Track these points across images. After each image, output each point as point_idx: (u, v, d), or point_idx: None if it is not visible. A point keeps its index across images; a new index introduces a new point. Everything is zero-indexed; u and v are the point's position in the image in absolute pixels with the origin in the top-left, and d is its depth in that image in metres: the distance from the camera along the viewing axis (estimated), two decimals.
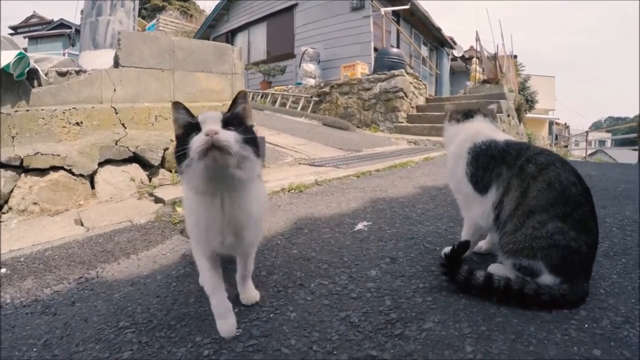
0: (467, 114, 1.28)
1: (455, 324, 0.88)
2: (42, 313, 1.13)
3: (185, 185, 0.85)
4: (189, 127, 0.79)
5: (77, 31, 10.86)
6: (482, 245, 1.27)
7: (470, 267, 1.02)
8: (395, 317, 0.92)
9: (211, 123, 0.77)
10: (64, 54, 10.86)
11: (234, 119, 0.80)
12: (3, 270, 1.48)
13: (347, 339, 0.86)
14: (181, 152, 0.77)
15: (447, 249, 1.06)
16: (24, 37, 14.37)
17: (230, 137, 0.74)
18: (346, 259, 1.29)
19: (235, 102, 0.85)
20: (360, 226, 1.61)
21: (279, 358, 0.82)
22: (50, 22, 16.22)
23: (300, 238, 1.51)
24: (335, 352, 0.82)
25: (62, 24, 14.99)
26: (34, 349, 0.94)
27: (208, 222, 0.84)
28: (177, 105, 0.83)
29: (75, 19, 13.45)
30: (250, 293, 1.05)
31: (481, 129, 1.21)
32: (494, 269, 1.07)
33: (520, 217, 1.01)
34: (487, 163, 1.11)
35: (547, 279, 0.96)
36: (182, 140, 0.78)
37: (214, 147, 0.73)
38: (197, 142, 0.73)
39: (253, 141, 0.80)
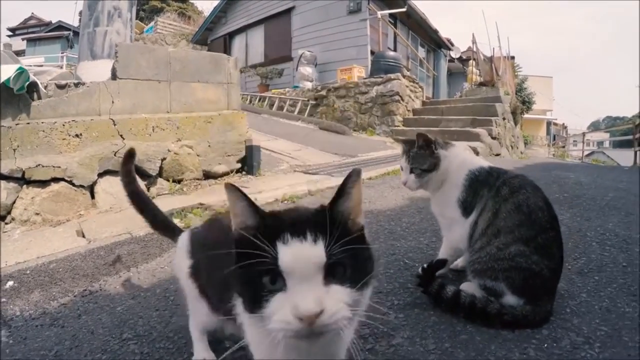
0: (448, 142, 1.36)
1: (422, 340, 0.97)
2: (51, 325, 1.23)
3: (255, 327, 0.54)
4: (257, 246, 0.49)
5: (76, 33, 10.90)
6: (459, 262, 1.35)
7: (443, 282, 1.11)
8: (368, 332, 1.01)
9: (303, 276, 0.47)
10: (62, 56, 10.90)
11: (342, 248, 0.48)
12: (10, 282, 1.57)
13: None
14: (245, 281, 0.51)
15: (425, 265, 1.16)
16: (22, 39, 14.39)
17: (340, 312, 0.47)
18: None
19: (343, 187, 0.54)
20: None
21: None
22: (48, 24, 16.26)
23: None
24: None
25: (60, 26, 15.01)
26: None
27: None
28: (232, 189, 0.53)
29: (73, 20, 13.48)
30: None
31: (471, 156, 1.29)
32: (466, 286, 1.15)
33: (489, 236, 1.09)
34: (476, 189, 1.18)
35: (510, 299, 1.03)
36: (244, 256, 0.50)
37: (313, 334, 0.46)
38: (280, 321, 0.46)
39: (365, 269, 0.52)
